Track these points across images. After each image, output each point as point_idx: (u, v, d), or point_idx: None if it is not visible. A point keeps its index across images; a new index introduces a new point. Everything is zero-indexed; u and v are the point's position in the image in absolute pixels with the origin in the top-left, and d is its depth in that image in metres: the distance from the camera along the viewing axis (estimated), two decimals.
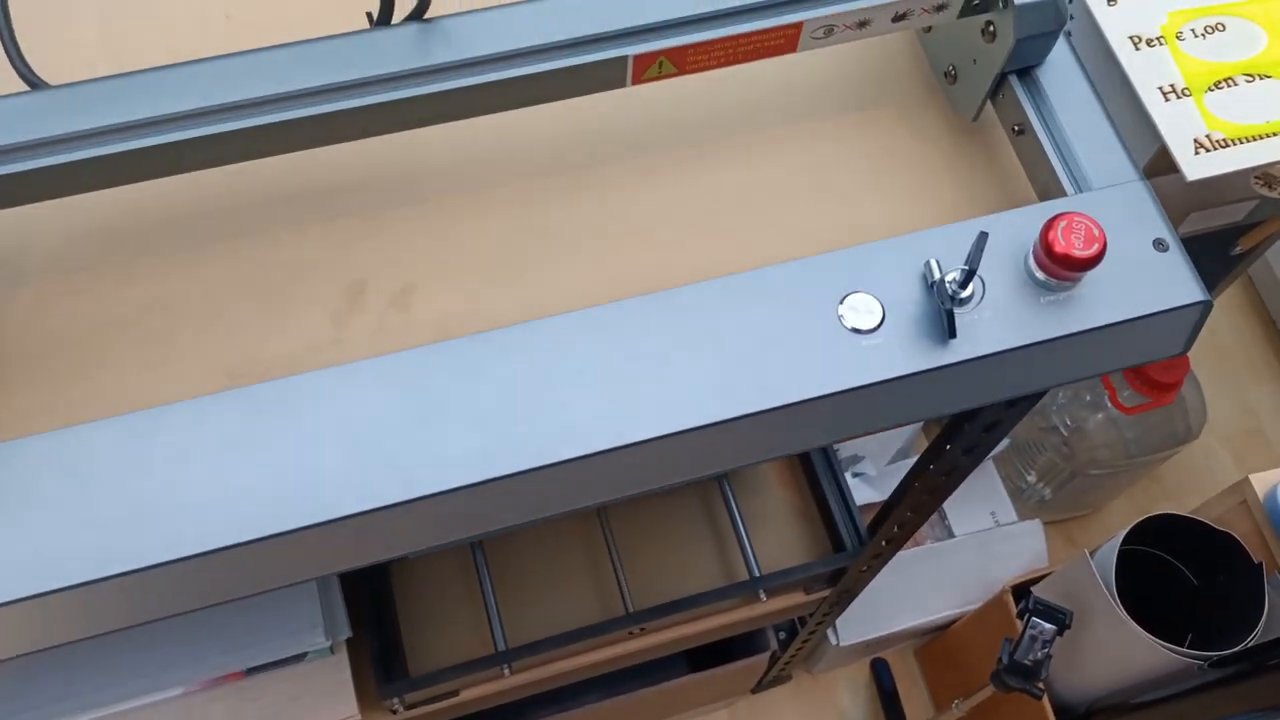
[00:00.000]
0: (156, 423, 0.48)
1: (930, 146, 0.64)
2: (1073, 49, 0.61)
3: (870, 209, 0.62)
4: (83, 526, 0.46)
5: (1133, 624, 1.13)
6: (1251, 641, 1.12)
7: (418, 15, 0.53)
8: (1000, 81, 0.61)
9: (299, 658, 0.93)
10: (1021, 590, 1.33)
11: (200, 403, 0.49)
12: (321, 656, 0.94)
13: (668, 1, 0.55)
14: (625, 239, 0.60)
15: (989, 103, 0.63)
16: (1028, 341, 0.53)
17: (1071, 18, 0.70)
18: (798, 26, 0.56)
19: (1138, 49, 0.76)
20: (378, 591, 1.02)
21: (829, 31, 0.57)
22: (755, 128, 0.64)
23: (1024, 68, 0.61)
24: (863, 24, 0.57)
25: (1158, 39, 0.76)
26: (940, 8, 0.58)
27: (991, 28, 0.59)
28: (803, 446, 0.55)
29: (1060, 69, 0.60)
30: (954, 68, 0.64)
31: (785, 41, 0.57)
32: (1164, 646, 1.12)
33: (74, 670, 0.89)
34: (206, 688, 0.93)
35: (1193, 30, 0.76)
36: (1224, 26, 0.76)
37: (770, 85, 0.65)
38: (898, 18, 0.58)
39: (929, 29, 0.66)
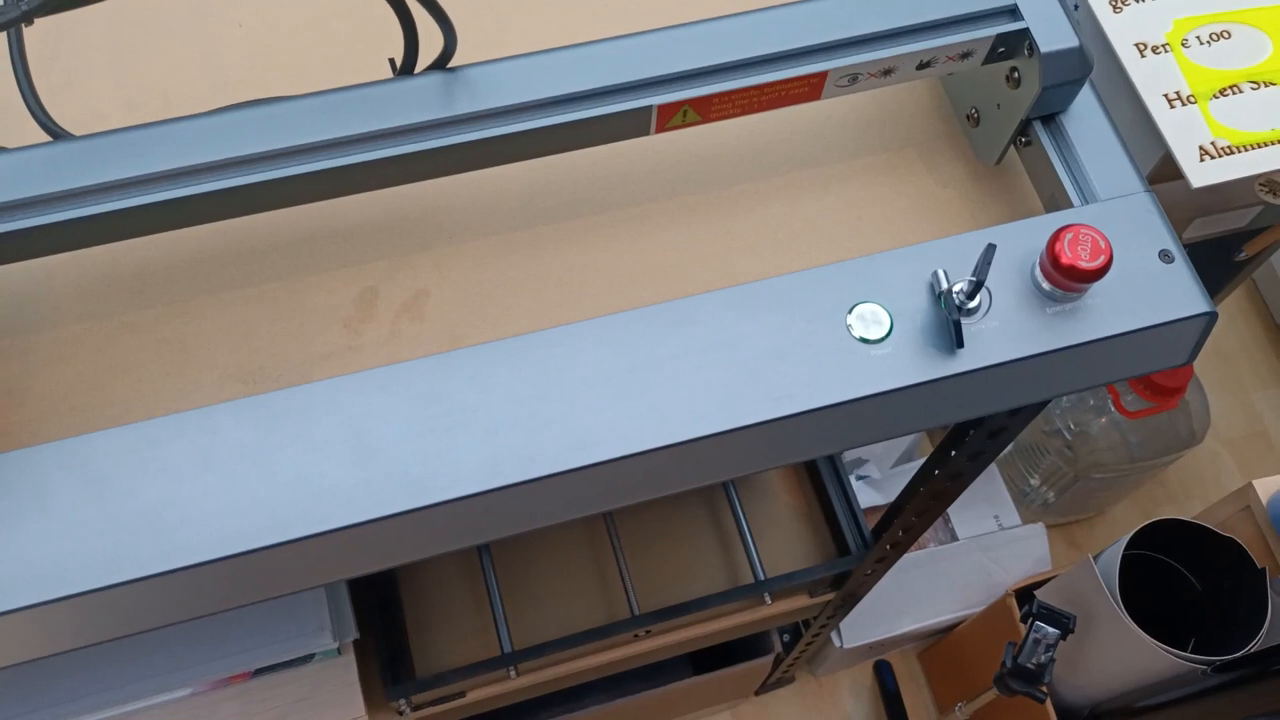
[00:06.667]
0: (171, 430, 0.49)
1: (953, 191, 0.64)
2: (1097, 95, 0.61)
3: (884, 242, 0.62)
4: (98, 532, 0.47)
5: (1136, 628, 1.13)
6: (1255, 646, 1.12)
7: (441, 64, 0.53)
8: (1024, 127, 0.61)
9: (306, 659, 0.94)
10: (1024, 594, 1.33)
11: (214, 410, 0.49)
12: (329, 658, 0.95)
13: (692, 51, 0.55)
14: (638, 268, 0.60)
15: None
16: (1034, 352, 0.53)
17: (1077, 23, 0.71)
18: (822, 76, 0.56)
19: (1143, 56, 0.76)
20: (385, 593, 1.02)
21: (853, 80, 0.57)
22: (772, 170, 0.64)
23: (1048, 114, 0.60)
24: (887, 72, 0.57)
25: (1163, 46, 0.76)
26: (966, 55, 0.58)
27: (1016, 74, 0.59)
28: (811, 454, 0.55)
29: (1085, 115, 0.60)
30: (976, 110, 0.64)
31: (809, 90, 0.57)
32: (1167, 651, 1.12)
33: (82, 671, 0.89)
34: (214, 688, 0.93)
35: (1198, 37, 0.76)
36: (1229, 34, 0.76)
37: (786, 125, 0.65)
38: (922, 65, 0.58)
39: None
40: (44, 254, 0.52)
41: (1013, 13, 0.58)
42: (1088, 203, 0.58)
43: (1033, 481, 1.60)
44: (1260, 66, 0.75)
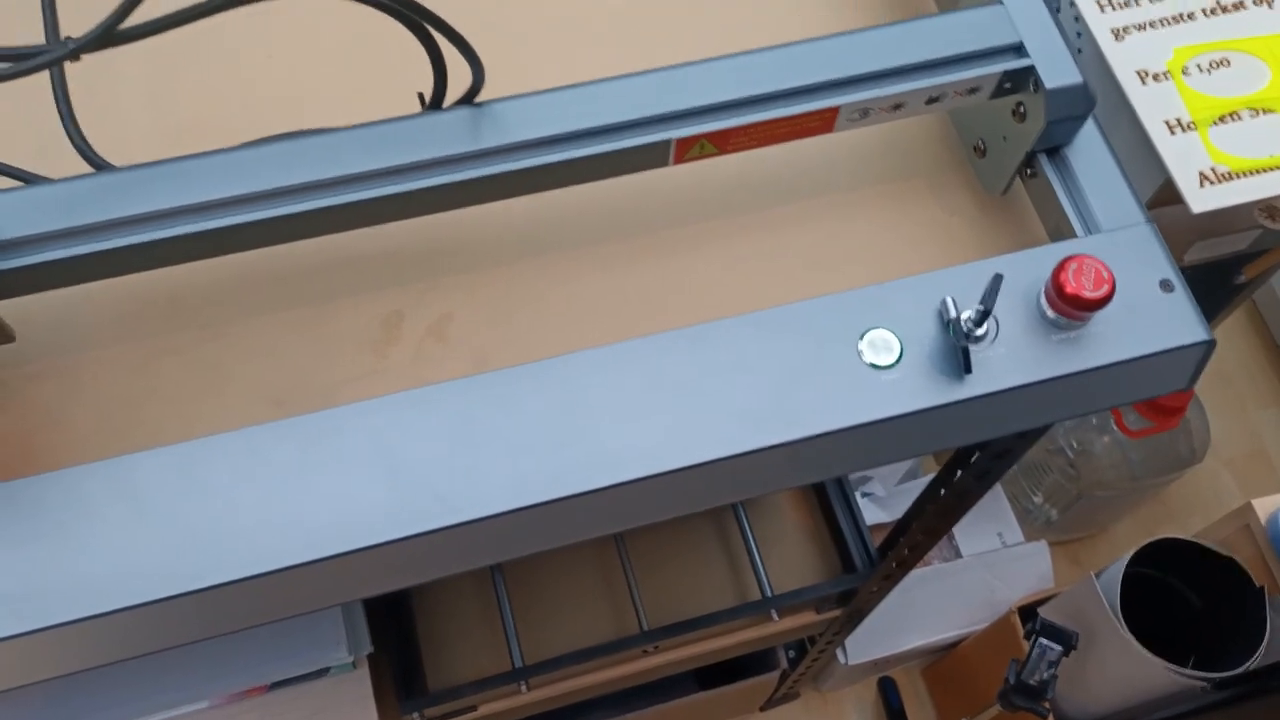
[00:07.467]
0: (206, 452, 0.50)
1: (961, 220, 0.65)
2: (1100, 129, 0.62)
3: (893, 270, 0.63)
4: (138, 550, 0.48)
5: (1137, 645, 1.15)
6: (1253, 664, 1.14)
7: (469, 99, 0.55)
8: (1029, 159, 0.62)
9: (322, 673, 0.95)
10: (1028, 611, 1.35)
11: (251, 431, 0.51)
12: (344, 672, 0.96)
13: (709, 87, 0.57)
14: (655, 294, 0.62)
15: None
16: (1039, 378, 0.55)
17: (1080, 51, 0.72)
18: (834, 110, 0.58)
19: (1144, 83, 0.77)
20: (399, 609, 1.04)
21: (864, 114, 0.59)
22: (786, 199, 0.65)
23: (1052, 147, 0.62)
24: (897, 107, 0.59)
25: (1164, 74, 0.77)
26: (973, 91, 0.60)
27: (1022, 108, 0.61)
28: (822, 476, 0.57)
29: (1088, 148, 0.62)
30: (983, 142, 0.66)
31: (822, 124, 0.58)
32: (1168, 668, 1.13)
33: (100, 684, 0.91)
34: (231, 701, 0.95)
35: (1198, 65, 0.77)
36: (1229, 62, 0.77)
37: (800, 156, 0.67)
38: (931, 100, 0.59)
39: None
40: (86, 280, 0.54)
41: (1019, 50, 0.59)
42: (1091, 233, 0.59)
43: (1036, 499, 1.62)
44: (1259, 94, 0.76)
